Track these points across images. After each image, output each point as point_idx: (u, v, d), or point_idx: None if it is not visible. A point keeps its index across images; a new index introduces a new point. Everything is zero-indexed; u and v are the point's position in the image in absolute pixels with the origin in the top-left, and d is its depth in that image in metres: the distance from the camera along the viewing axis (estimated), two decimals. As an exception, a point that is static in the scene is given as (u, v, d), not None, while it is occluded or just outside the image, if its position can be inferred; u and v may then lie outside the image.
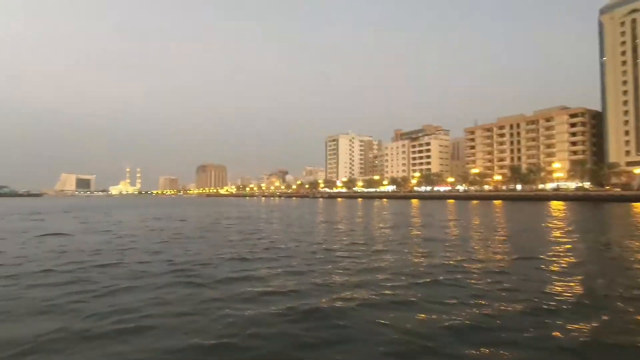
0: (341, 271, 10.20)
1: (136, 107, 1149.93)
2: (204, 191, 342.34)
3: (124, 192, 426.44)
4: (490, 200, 76.77)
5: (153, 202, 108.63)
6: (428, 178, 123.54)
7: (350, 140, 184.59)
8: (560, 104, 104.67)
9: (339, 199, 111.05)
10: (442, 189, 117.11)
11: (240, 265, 11.29)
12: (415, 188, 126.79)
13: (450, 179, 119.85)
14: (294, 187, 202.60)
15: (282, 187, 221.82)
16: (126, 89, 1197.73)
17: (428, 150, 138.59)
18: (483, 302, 7.08)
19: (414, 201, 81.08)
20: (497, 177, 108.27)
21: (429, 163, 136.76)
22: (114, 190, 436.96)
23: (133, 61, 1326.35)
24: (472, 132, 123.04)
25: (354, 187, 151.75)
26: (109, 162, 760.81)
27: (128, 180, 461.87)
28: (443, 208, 48.81)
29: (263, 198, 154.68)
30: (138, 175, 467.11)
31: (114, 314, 6.52)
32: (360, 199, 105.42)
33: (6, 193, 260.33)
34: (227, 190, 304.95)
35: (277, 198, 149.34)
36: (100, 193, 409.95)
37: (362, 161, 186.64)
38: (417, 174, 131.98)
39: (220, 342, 5.33)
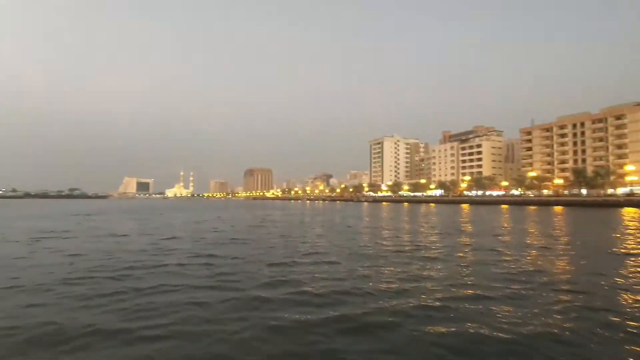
0: (386, 279, 9.59)
1: (189, 116, 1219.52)
2: (250, 194, 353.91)
3: (178, 195, 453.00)
4: (549, 206, 70.74)
5: (203, 205, 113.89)
6: (479, 182, 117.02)
7: (395, 143, 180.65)
8: (633, 100, 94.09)
9: (384, 203, 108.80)
10: (494, 193, 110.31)
11: (282, 269, 11.08)
12: (465, 192, 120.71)
13: (504, 183, 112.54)
14: (337, 190, 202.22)
15: (327, 190, 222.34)
16: (183, 101, 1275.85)
17: (479, 153, 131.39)
18: (545, 320, 6.15)
19: (464, 206, 77.06)
20: (558, 181, 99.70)
21: (480, 166, 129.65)
22: (169, 192, 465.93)
23: (194, 82, 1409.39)
24: (529, 133, 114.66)
25: (400, 190, 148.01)
26: (165, 167, 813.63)
27: (182, 184, 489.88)
28: (496, 214, 45.68)
29: (308, 201, 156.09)
30: (191, 179, 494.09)
31: (149, 313, 6.58)
32: (406, 204, 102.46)
33: (78, 195, 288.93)
34: (272, 194, 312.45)
35: (321, 202, 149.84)
36: (158, 195, 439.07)
37: (408, 164, 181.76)
38: (467, 178, 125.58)
39: (258, 348, 5.12)
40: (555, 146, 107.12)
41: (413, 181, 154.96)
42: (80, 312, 6.90)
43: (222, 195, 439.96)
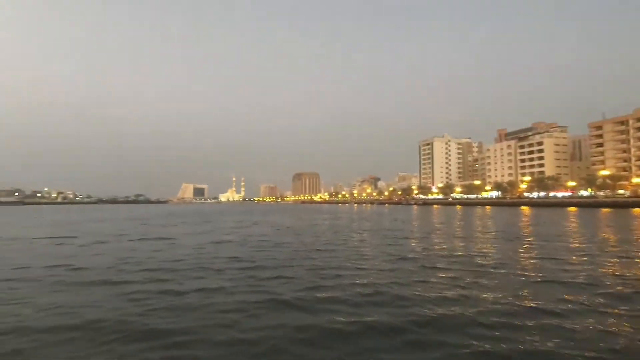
0: (439, 289, 8.77)
1: (242, 122, 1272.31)
2: (299, 198, 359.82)
3: (231, 199, 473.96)
4: (627, 208, 63.09)
5: (254, 208, 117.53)
6: (541, 182, 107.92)
7: (446, 144, 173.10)
8: None
9: (435, 206, 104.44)
10: (559, 194, 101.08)
11: (332, 275, 10.67)
12: (525, 194, 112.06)
13: (571, 183, 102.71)
14: (385, 193, 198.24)
15: (374, 193, 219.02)
16: (235, 110, 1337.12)
17: (540, 151, 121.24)
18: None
19: (524, 209, 71.36)
20: (638, 180, 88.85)
21: (541, 165, 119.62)
22: (222, 197, 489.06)
23: (247, 89, 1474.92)
24: (599, 127, 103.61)
25: (451, 193, 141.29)
26: (219, 173, 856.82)
27: (234, 189, 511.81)
28: (563, 217, 41.56)
29: (355, 205, 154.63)
30: (242, 183, 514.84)
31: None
32: (458, 206, 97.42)
33: (142, 200, 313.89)
34: (320, 197, 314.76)
35: (368, 205, 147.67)
36: (212, 200, 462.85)
37: (460, 165, 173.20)
38: (527, 178, 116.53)
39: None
40: (632, 141, 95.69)
41: (466, 183, 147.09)
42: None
43: (271, 199, 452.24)
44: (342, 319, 6.68)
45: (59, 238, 22.29)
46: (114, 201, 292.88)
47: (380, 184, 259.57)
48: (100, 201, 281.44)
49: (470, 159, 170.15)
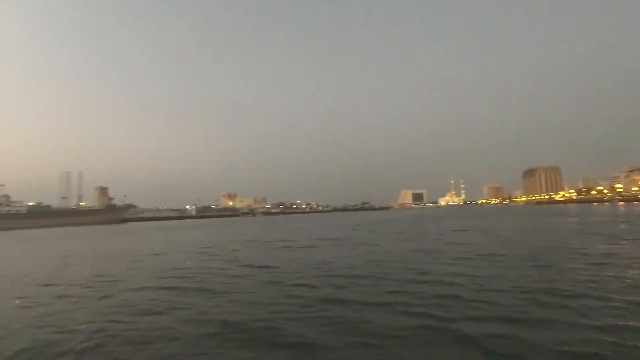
0: None
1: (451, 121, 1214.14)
2: (532, 198, 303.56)
3: (450, 203, 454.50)
4: None
5: (474, 212, 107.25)
6: None
7: None
8: None
9: None
10: None
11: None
12: None
13: None
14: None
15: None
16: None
17: None
18: None
19: None
20: None
21: None
22: (442, 201, 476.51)
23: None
24: None
25: None
26: (436, 177, 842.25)
27: (453, 192, 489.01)
28: None
29: (620, 204, 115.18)
30: (462, 186, 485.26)
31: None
32: None
33: (367, 207, 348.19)
34: (563, 196, 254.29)
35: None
36: (431, 205, 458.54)
37: None
38: None
39: None
40: None
41: None
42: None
43: (497, 200, 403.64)
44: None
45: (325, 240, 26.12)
46: (344, 209, 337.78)
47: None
48: (335, 209, 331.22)
49: None
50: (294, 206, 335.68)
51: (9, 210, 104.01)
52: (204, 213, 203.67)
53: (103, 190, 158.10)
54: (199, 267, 15.32)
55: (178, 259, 18.71)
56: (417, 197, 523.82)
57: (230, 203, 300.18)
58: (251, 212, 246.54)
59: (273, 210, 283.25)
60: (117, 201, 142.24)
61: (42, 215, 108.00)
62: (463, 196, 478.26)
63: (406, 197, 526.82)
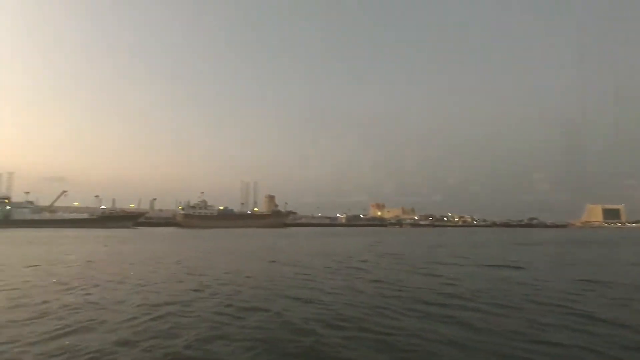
0: None
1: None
2: None
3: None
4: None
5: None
6: None
7: None
8: None
9: None
10: None
11: None
12: None
13: None
14: None
15: None
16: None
17: None
18: None
19: None
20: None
21: None
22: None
23: None
24: None
25: None
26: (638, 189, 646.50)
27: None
28: None
29: None
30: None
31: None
32: None
33: (536, 224, 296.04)
34: None
35: None
36: (633, 224, 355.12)
37: None
38: None
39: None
40: None
41: None
42: None
43: None
44: None
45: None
46: (506, 224, 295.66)
47: None
48: (494, 224, 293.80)
49: None
50: (445, 219, 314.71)
51: (206, 213, 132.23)
52: (352, 222, 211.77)
53: (271, 198, 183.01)
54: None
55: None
56: (611, 214, 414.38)
57: (379, 213, 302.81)
58: (398, 223, 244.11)
59: (421, 222, 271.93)
60: (280, 208, 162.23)
61: (228, 217, 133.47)
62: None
63: (593, 213, 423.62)
